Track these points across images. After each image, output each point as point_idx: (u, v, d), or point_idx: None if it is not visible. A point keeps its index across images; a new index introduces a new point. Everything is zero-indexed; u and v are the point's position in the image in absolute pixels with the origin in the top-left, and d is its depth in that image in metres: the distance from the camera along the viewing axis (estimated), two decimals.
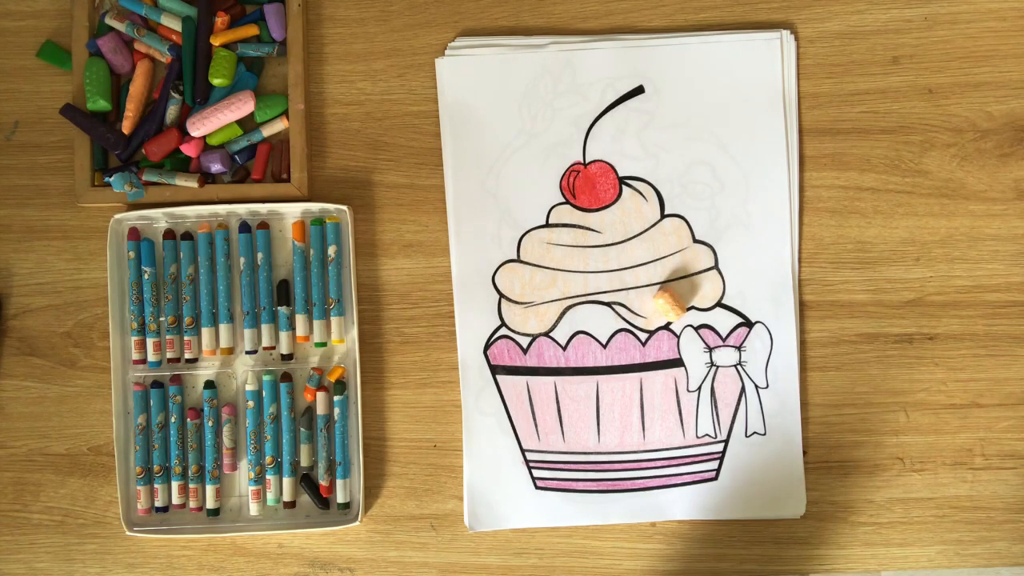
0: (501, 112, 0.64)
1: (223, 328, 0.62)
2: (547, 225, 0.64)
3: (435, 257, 0.64)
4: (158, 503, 0.62)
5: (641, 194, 0.64)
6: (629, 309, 0.63)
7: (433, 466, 0.64)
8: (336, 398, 0.62)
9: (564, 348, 0.63)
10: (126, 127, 0.62)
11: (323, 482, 0.62)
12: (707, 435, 0.63)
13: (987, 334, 0.63)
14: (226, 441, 0.62)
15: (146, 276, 0.62)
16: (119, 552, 0.63)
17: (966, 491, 0.63)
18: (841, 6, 0.64)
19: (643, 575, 0.63)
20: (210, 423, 0.62)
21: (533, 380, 0.63)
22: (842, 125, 0.64)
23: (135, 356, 0.62)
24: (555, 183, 0.64)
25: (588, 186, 0.64)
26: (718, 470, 0.63)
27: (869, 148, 0.64)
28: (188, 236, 0.62)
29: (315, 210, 0.63)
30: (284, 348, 0.62)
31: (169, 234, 0.63)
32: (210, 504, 0.62)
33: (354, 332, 0.62)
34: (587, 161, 0.64)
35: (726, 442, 0.63)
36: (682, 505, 0.63)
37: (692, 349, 0.63)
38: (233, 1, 0.63)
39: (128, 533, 0.62)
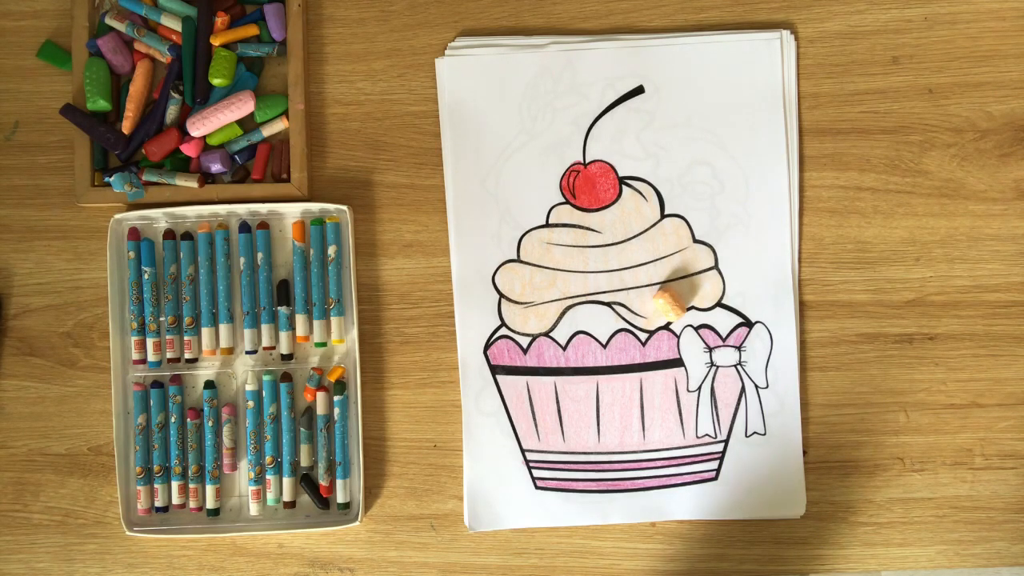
0: (501, 112, 0.64)
1: (223, 328, 0.62)
2: (547, 225, 0.64)
3: (435, 257, 0.64)
4: (158, 503, 0.62)
5: (641, 194, 0.64)
6: (629, 309, 0.63)
7: (433, 466, 0.64)
8: (336, 398, 0.62)
9: (564, 348, 0.63)
10: (126, 127, 0.62)
11: (323, 482, 0.62)
12: (707, 435, 0.63)
13: (987, 334, 0.63)
14: (226, 441, 0.62)
15: (146, 276, 0.62)
16: (119, 552, 0.63)
17: (966, 491, 0.63)
18: (841, 6, 0.64)
19: (643, 575, 0.63)
20: (210, 423, 0.62)
21: (533, 380, 0.63)
22: (842, 125, 0.64)
23: (135, 356, 0.62)
24: (555, 183, 0.64)
25: (588, 186, 0.64)
26: (718, 470, 0.63)
27: (869, 148, 0.64)
28: (188, 236, 0.62)
29: (315, 210, 0.63)
30: (284, 348, 0.62)
31: (169, 234, 0.63)
32: (210, 504, 0.62)
33: (354, 332, 0.62)
34: (587, 161, 0.64)
35: (726, 442, 0.63)
36: (682, 505, 0.63)
37: (692, 349, 0.63)
38: (233, 1, 0.63)
39: (128, 533, 0.62)
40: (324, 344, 0.62)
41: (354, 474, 0.62)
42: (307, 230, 0.63)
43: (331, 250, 0.62)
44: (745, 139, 0.63)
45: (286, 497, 0.62)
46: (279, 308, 0.62)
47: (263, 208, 0.62)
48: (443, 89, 0.64)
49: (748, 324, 0.63)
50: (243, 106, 0.62)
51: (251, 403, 0.62)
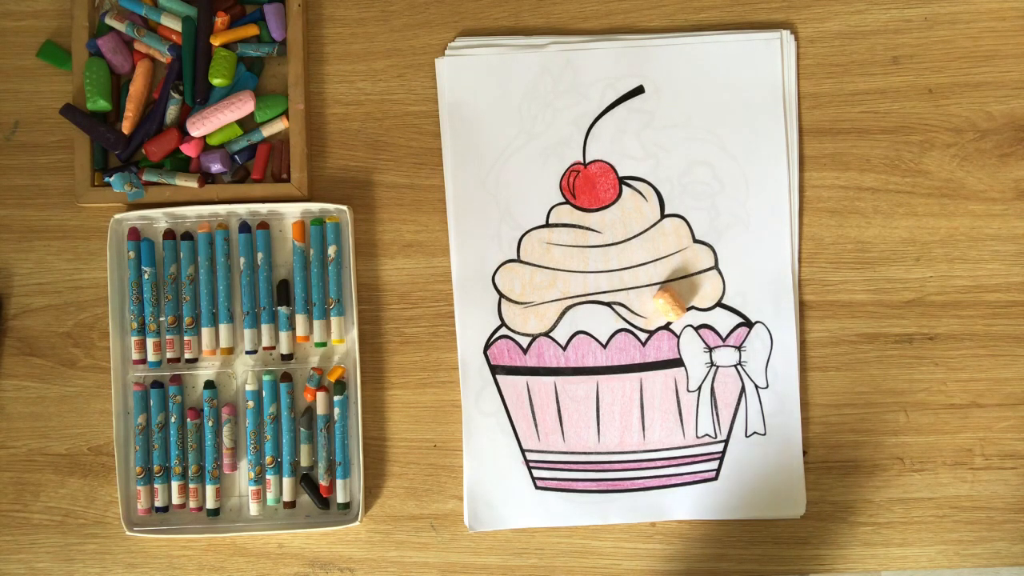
0: (501, 112, 0.64)
1: (223, 328, 0.62)
2: (547, 225, 0.64)
3: (435, 257, 0.64)
4: (158, 503, 0.62)
5: (641, 194, 0.64)
6: (629, 309, 0.63)
7: (433, 466, 0.64)
8: (336, 398, 0.62)
9: (564, 348, 0.63)
10: (126, 127, 0.62)
11: (323, 482, 0.62)
12: (707, 435, 0.63)
13: (987, 334, 0.63)
14: (226, 441, 0.62)
15: (146, 276, 0.62)
16: (119, 552, 0.63)
17: (966, 491, 0.63)
18: (841, 6, 0.64)
19: (643, 575, 0.63)
20: (210, 423, 0.62)
21: (533, 380, 0.63)
22: (842, 125, 0.64)
23: (135, 356, 0.62)
24: (555, 183, 0.64)
25: (588, 186, 0.64)
26: (718, 470, 0.63)
27: (869, 148, 0.64)
28: (188, 236, 0.62)
29: (315, 210, 0.63)
30: (284, 348, 0.62)
31: (169, 234, 0.63)
32: (210, 504, 0.62)
33: (354, 332, 0.62)
34: (587, 161, 0.64)
35: (726, 442, 0.63)
36: (682, 505, 0.63)
37: (692, 349, 0.63)
38: (233, 1, 0.63)
39: (128, 533, 0.62)
40: (324, 344, 0.62)
41: (354, 474, 0.62)
42: (307, 230, 0.63)
43: (331, 250, 0.62)
44: (745, 139, 0.63)
45: (286, 497, 0.62)
46: (279, 308, 0.62)
47: (263, 208, 0.62)
48: (443, 89, 0.64)
49: (748, 324, 0.63)
50: (243, 106, 0.62)
51: (251, 403, 0.62)
